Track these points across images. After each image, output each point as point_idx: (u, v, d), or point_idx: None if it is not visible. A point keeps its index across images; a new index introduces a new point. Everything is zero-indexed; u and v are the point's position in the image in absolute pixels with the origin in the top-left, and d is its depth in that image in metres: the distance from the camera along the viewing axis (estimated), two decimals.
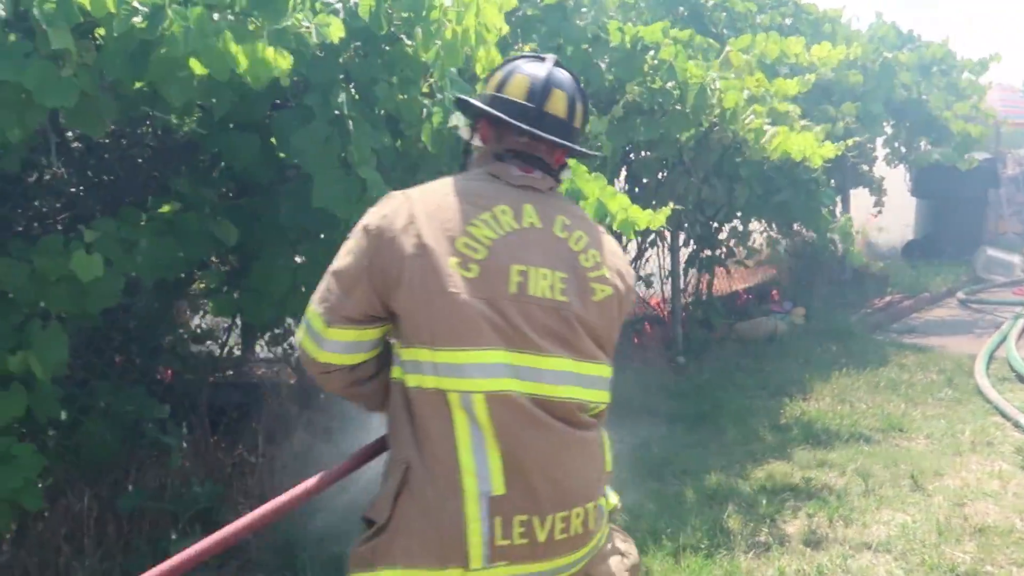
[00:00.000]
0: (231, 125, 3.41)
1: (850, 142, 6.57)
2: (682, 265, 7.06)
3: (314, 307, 1.85)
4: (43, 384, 3.04)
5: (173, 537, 3.45)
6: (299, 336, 1.92)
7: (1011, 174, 15.71)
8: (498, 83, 1.97)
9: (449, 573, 1.74)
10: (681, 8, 6.53)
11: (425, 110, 3.50)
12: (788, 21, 7.97)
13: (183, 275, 3.66)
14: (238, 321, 4.36)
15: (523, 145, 1.94)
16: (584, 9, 4.36)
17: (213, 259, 3.81)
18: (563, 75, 1.99)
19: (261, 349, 4.78)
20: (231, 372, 4.47)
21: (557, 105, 1.94)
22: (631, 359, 6.36)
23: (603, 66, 4.38)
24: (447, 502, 1.74)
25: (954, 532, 3.72)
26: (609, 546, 1.98)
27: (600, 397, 1.88)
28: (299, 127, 3.21)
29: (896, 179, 11.21)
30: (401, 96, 3.44)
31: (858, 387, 6.05)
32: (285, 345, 4.41)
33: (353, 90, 3.42)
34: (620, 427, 5.06)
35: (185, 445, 3.58)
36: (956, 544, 3.61)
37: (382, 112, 3.41)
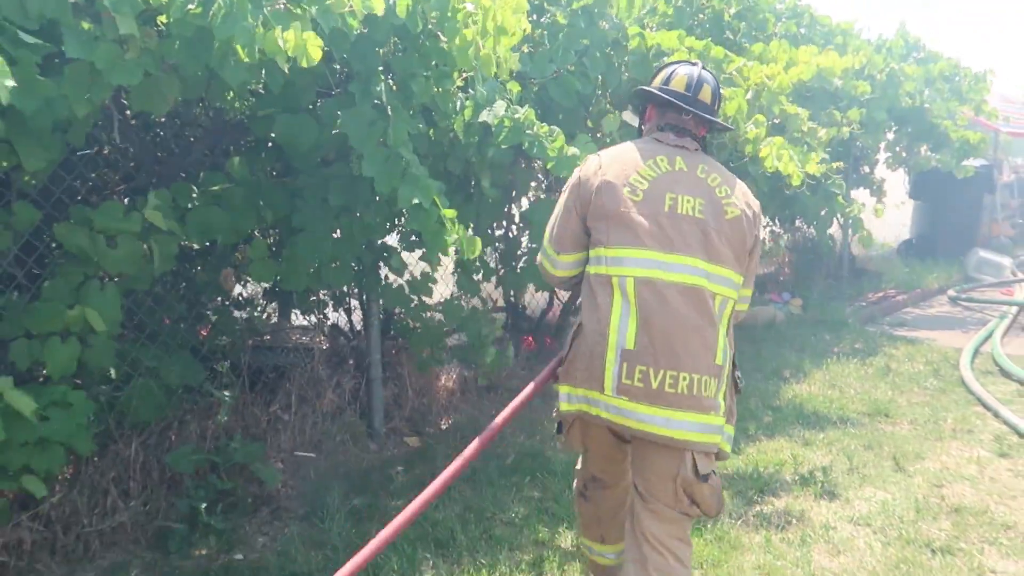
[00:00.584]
0: (277, 109, 3.49)
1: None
2: None
3: (547, 243, 2.66)
4: (98, 339, 3.14)
5: (215, 484, 3.54)
6: (540, 260, 2.72)
7: (1006, 180, 15.58)
8: (664, 79, 2.68)
9: (592, 393, 2.45)
10: (702, 15, 6.49)
11: (459, 103, 3.54)
12: (803, 31, 7.92)
13: (230, 245, 3.74)
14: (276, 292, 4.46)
15: (678, 121, 2.63)
16: (606, 18, 4.38)
17: (256, 232, 3.88)
18: (708, 75, 2.69)
19: (295, 317, 4.87)
20: (268, 337, 4.56)
21: (705, 95, 2.63)
22: None
23: (623, 67, 4.41)
24: (598, 348, 2.42)
25: (931, 510, 3.75)
26: (713, 469, 2.47)
27: (725, 292, 2.46)
28: (345, 111, 3.29)
29: (895, 181, 11.13)
30: (437, 89, 3.50)
31: (848, 374, 6.06)
32: (319, 314, 4.49)
33: (391, 81, 3.48)
34: None
35: (227, 396, 3.66)
36: (933, 521, 3.65)
37: (419, 103, 3.46)
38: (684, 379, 2.35)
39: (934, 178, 11.01)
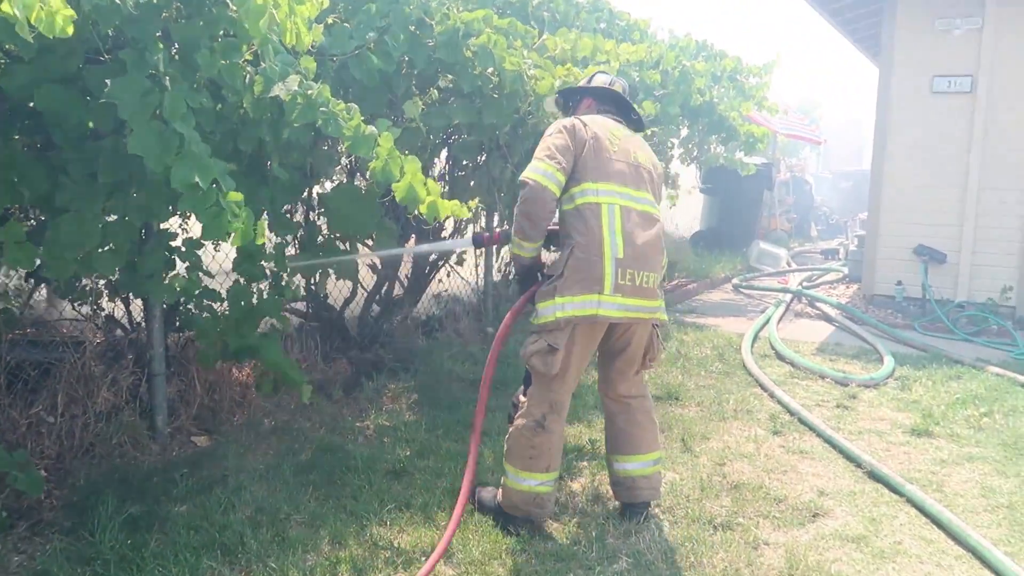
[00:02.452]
0: (33, 75, 3.09)
1: (649, 131, 6.90)
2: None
3: (545, 160, 3.33)
4: None
5: None
6: (530, 175, 3.32)
7: (783, 179, 17.04)
8: (589, 78, 3.85)
9: (590, 296, 3.25)
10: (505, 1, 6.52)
11: (248, 77, 3.30)
12: (603, 25, 8.17)
13: None
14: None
15: (611, 106, 3.69)
16: None
17: (13, 212, 3.45)
18: (618, 78, 3.82)
19: (61, 309, 4.40)
20: (31, 330, 4.08)
21: (618, 88, 3.71)
22: (443, 329, 6.38)
23: (431, 48, 4.29)
24: (596, 260, 3.26)
25: (714, 489, 3.97)
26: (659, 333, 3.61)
27: (658, 215, 3.50)
28: (115, 80, 2.96)
29: (688, 177, 11.82)
30: (223, 61, 3.23)
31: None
32: (92, 305, 4.07)
33: (173, 50, 3.19)
34: (431, 393, 5.08)
35: None
36: (715, 499, 3.86)
37: (204, 76, 3.19)
38: (652, 278, 3.39)
39: (722, 174, 11.83)
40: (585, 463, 4.22)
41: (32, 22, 2.38)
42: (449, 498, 3.69)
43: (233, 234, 3.15)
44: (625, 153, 3.44)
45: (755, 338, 7.21)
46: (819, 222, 19.94)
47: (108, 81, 2.98)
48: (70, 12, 2.46)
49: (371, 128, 3.42)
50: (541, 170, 3.32)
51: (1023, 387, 5.89)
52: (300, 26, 3.28)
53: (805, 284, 10.31)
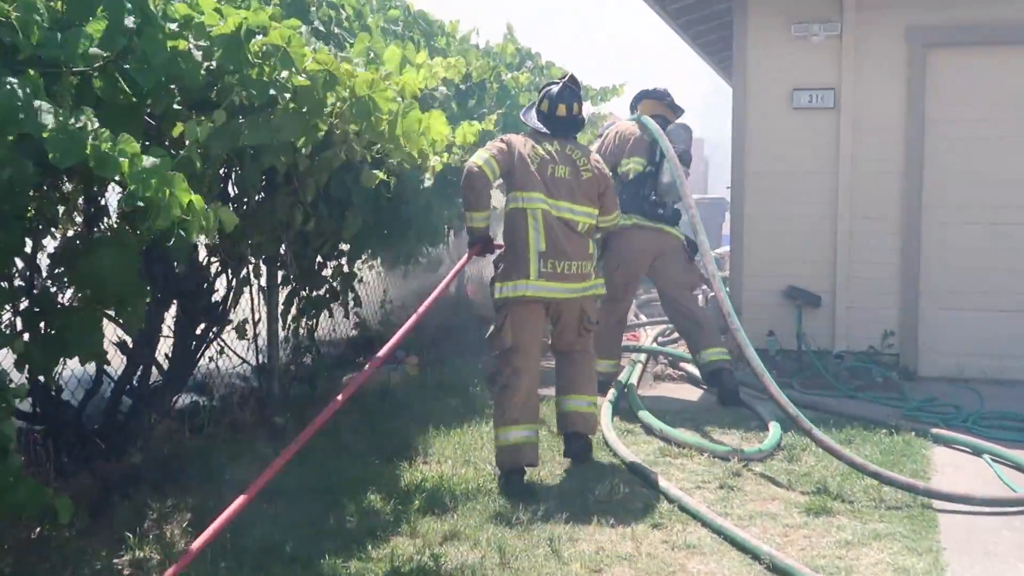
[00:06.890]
0: None
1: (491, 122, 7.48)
2: (280, 308, 7.01)
3: (483, 151, 5.88)
4: None
5: None
6: (470, 161, 5.82)
7: None
8: (539, 100, 6.29)
9: (521, 281, 5.80)
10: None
11: None
12: (398, 28, 8.38)
13: None
14: None
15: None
16: None
17: None
18: (566, 91, 6.19)
19: None
20: None
21: (562, 111, 6.16)
22: (217, 422, 6.19)
23: (199, 54, 4.21)
24: (524, 252, 5.82)
25: None
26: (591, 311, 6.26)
27: (584, 219, 6.07)
28: None
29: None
30: None
31: (482, 446, 6.40)
32: None
33: None
34: (211, 512, 4.87)
35: None
36: None
37: None
38: (575, 265, 5.88)
39: None
40: None
41: None
42: None
43: None
44: (545, 168, 5.87)
45: (614, 409, 7.44)
46: None
47: None
48: None
49: (152, 159, 3.32)
50: (478, 154, 5.80)
51: (922, 444, 6.50)
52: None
53: (660, 340, 10.74)
